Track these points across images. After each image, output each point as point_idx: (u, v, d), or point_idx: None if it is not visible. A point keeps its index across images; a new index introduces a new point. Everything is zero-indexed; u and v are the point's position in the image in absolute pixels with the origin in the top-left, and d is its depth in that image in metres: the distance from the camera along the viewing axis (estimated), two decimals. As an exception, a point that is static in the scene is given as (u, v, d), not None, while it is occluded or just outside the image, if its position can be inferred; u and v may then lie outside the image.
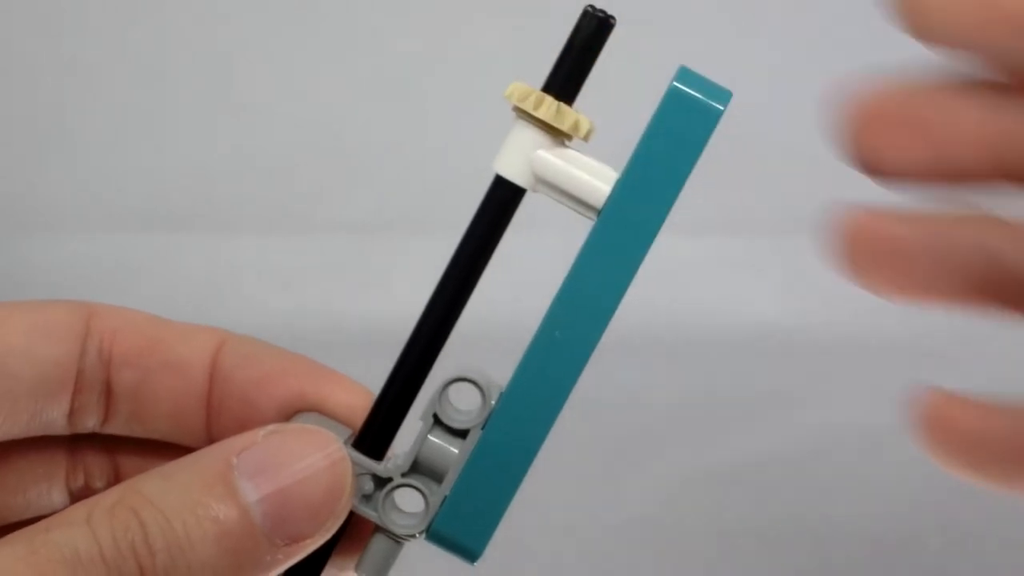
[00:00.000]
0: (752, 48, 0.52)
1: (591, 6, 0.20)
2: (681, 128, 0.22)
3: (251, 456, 0.21)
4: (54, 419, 0.24)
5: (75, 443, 0.25)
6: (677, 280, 0.49)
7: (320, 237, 0.53)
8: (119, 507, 0.20)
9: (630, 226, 0.21)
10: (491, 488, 0.22)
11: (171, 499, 0.20)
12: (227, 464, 0.21)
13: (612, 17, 0.21)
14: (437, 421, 0.22)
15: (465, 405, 0.22)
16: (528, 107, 0.21)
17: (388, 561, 0.23)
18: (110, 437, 0.25)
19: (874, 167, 0.21)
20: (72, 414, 0.24)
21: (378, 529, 0.22)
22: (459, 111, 0.52)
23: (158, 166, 0.53)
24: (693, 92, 0.22)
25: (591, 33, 0.21)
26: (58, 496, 0.25)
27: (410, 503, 0.22)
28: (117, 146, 0.53)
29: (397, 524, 0.22)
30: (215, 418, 0.24)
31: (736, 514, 0.49)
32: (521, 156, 0.21)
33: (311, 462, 0.21)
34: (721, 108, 0.22)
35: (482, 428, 0.21)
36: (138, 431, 0.25)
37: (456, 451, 0.22)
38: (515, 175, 0.21)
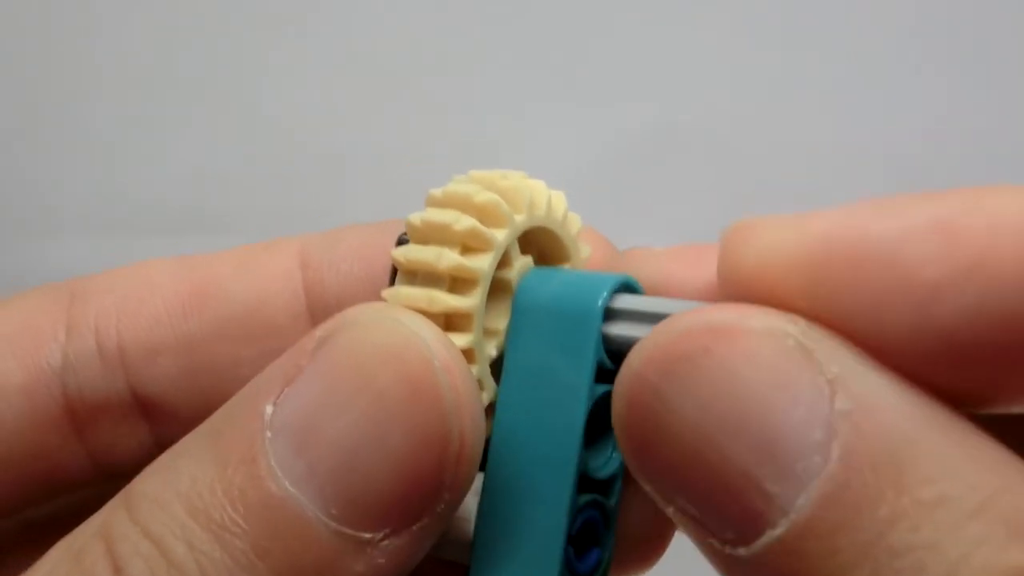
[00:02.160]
0: (753, 50, 0.52)
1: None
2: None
3: (295, 396, 0.14)
4: (58, 489, 0.19)
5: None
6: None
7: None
8: (90, 546, 0.14)
9: None
10: None
11: (169, 511, 0.14)
12: (256, 422, 0.14)
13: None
14: None
15: None
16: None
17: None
18: None
19: None
20: (93, 459, 0.20)
21: None
22: (459, 114, 0.52)
23: (159, 168, 0.53)
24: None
25: None
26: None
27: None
28: (117, 148, 0.53)
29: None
30: None
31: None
32: None
33: (385, 384, 0.14)
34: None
35: None
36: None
37: None
38: None
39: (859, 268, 0.14)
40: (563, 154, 0.52)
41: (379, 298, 0.17)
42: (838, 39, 0.51)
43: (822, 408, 0.13)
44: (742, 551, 0.14)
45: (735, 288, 0.15)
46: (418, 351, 0.14)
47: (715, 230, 0.59)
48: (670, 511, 0.15)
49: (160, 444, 0.20)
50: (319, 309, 0.20)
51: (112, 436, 0.21)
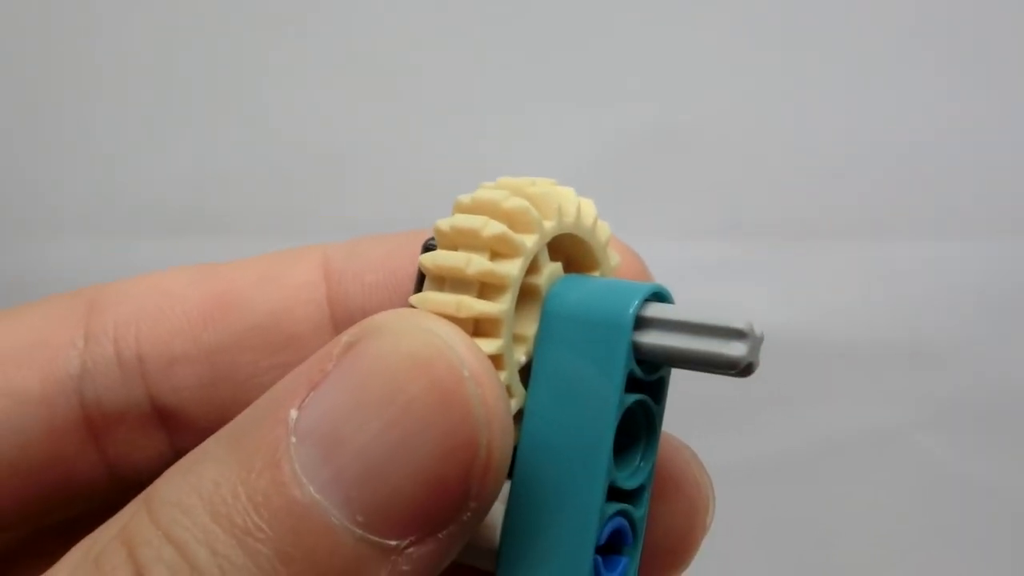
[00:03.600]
0: (753, 50, 0.52)
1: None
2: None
3: (321, 401, 0.14)
4: (73, 499, 0.19)
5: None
6: (675, 283, 0.49)
7: (319, 240, 0.53)
8: (110, 550, 0.14)
9: None
10: None
11: (192, 515, 0.13)
12: (280, 427, 0.14)
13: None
14: None
15: None
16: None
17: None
18: None
19: None
20: (110, 468, 0.20)
21: None
22: (459, 114, 0.52)
23: (159, 168, 0.53)
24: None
25: None
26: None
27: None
28: (118, 148, 0.53)
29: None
30: None
31: (735, 515, 0.49)
32: None
33: (415, 394, 0.14)
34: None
35: None
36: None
37: None
38: None
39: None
40: (563, 154, 0.52)
41: (406, 305, 0.17)
42: (838, 39, 0.51)
43: None
44: None
45: None
46: (448, 361, 0.14)
47: (715, 229, 0.59)
48: None
49: (178, 454, 0.18)
50: (343, 320, 0.20)
51: (129, 445, 0.21)
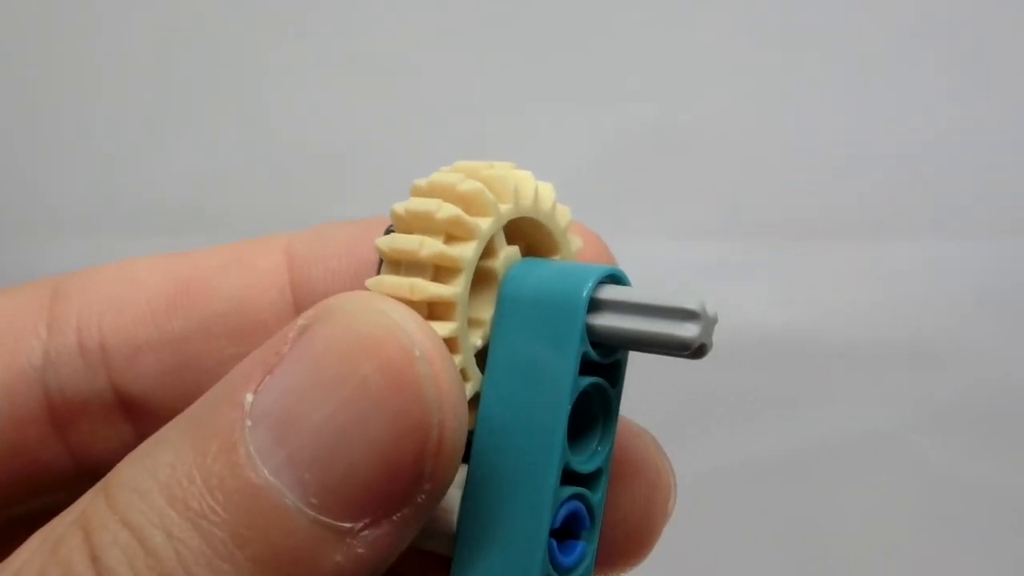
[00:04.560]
0: (753, 50, 0.52)
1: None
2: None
3: (275, 384, 0.14)
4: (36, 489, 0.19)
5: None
6: (673, 284, 0.49)
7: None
8: (68, 535, 0.14)
9: None
10: None
11: (148, 499, 0.14)
12: (235, 410, 0.14)
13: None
14: None
15: None
16: None
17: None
18: None
19: None
20: (74, 456, 0.20)
21: None
22: (459, 115, 0.52)
23: (159, 168, 0.53)
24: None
25: None
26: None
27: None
28: (118, 148, 0.53)
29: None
30: None
31: (735, 516, 0.49)
32: None
33: (366, 373, 0.14)
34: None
35: None
36: None
37: None
38: None
39: None
40: (563, 154, 0.52)
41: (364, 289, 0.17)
42: (838, 39, 0.51)
43: None
44: None
45: None
46: (399, 341, 0.14)
47: (715, 229, 0.59)
48: None
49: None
50: (307, 305, 0.19)
51: (94, 435, 0.21)
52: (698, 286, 0.51)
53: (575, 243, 0.20)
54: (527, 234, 0.19)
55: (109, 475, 0.15)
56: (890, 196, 0.50)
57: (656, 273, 0.42)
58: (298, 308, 0.20)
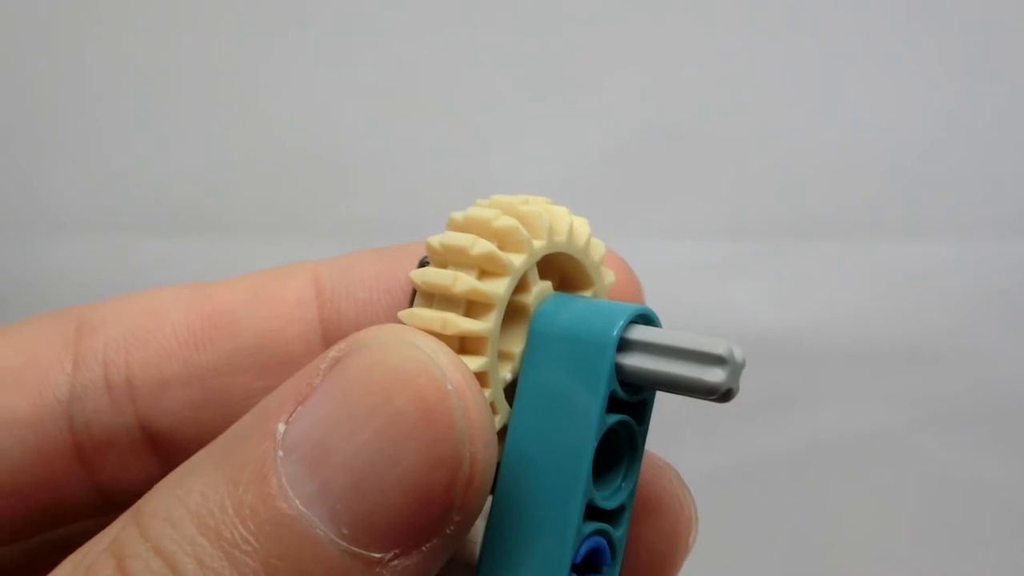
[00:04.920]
0: (753, 50, 0.52)
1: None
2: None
3: (307, 415, 0.14)
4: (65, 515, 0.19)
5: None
6: (673, 284, 0.49)
7: (319, 241, 0.53)
8: (100, 562, 0.14)
9: None
10: None
11: (180, 528, 0.13)
12: (267, 440, 0.14)
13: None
14: None
15: None
16: None
17: None
18: None
19: None
20: (101, 492, 0.19)
21: None
22: (458, 115, 0.52)
23: (158, 169, 0.53)
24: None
25: None
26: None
27: None
28: (117, 148, 0.53)
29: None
30: None
31: (735, 515, 0.49)
32: None
33: (399, 406, 0.14)
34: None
35: None
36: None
37: None
38: None
39: None
40: (563, 154, 0.52)
41: (397, 322, 0.17)
42: (838, 40, 0.51)
43: None
44: None
45: None
46: (431, 374, 0.14)
47: (715, 229, 0.59)
48: None
49: None
50: (336, 338, 0.19)
51: (119, 468, 0.20)
52: (698, 286, 0.51)
53: (608, 277, 0.20)
54: (561, 267, 0.19)
55: (140, 502, 0.15)
56: (890, 196, 0.50)
57: (657, 273, 0.42)
58: (327, 341, 0.20)
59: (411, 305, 0.18)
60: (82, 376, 0.20)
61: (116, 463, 0.20)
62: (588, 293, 0.20)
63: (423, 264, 0.19)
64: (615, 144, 0.52)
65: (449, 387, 0.14)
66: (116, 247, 0.52)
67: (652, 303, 0.19)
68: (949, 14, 0.50)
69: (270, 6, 0.52)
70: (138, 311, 0.21)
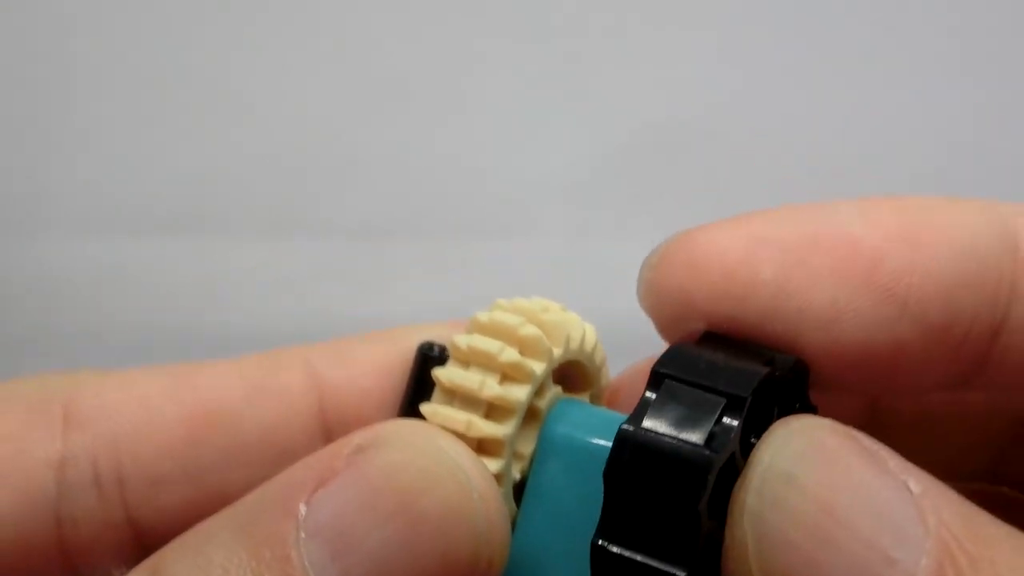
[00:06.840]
0: (756, 49, 0.52)
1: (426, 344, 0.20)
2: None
3: (330, 499, 0.14)
4: None
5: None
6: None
7: (319, 241, 0.53)
8: None
9: None
10: None
11: None
12: (289, 519, 0.14)
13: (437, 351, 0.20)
14: None
15: None
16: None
17: None
18: None
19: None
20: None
21: None
22: (460, 115, 0.52)
23: (157, 169, 0.53)
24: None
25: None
26: None
27: None
28: (115, 148, 0.53)
29: None
30: None
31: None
32: None
33: (425, 508, 0.14)
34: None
35: None
36: None
37: None
38: None
39: (841, 267, 0.16)
40: (565, 154, 0.52)
41: (399, 411, 0.18)
42: (840, 38, 0.51)
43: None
44: None
45: (665, 298, 0.17)
46: (458, 480, 0.15)
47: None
48: None
49: None
50: (338, 429, 0.20)
51: (104, 562, 0.20)
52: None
53: (606, 378, 0.21)
54: (564, 366, 0.20)
55: (157, 563, 0.15)
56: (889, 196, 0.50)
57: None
58: (327, 432, 0.20)
59: (416, 394, 0.19)
60: (69, 474, 0.20)
61: (102, 558, 0.20)
62: (587, 393, 0.21)
63: (424, 352, 0.20)
64: (616, 145, 0.52)
65: (475, 494, 0.15)
66: (116, 247, 0.52)
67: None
68: (950, 15, 0.50)
69: (270, 6, 0.52)
70: (126, 401, 0.20)
